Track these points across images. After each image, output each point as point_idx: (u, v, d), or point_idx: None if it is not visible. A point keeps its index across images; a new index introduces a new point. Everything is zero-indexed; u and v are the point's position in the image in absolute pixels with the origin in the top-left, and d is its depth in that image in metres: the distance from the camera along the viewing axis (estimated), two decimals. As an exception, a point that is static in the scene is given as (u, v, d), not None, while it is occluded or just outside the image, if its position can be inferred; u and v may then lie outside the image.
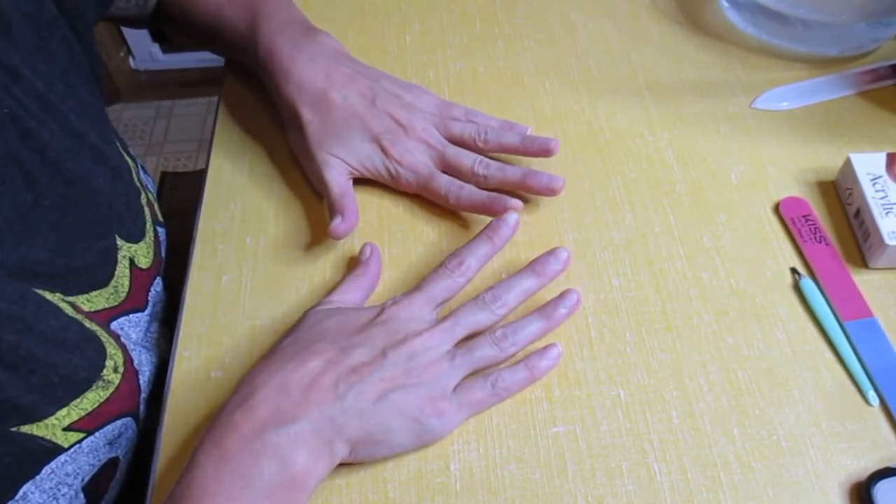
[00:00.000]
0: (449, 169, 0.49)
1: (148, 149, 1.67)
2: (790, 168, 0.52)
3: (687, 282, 0.46)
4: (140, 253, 0.45)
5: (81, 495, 0.37)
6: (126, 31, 1.71)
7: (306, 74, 0.48)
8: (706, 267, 0.47)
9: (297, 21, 0.53)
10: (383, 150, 0.48)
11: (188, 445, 0.40)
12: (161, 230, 0.50)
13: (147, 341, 0.46)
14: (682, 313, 0.45)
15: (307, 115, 0.48)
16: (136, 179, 0.46)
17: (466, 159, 0.48)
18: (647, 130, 0.54)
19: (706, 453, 0.39)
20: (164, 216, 0.53)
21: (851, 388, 0.42)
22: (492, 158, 0.49)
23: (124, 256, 0.43)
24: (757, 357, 0.43)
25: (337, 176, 0.47)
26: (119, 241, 0.42)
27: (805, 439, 0.40)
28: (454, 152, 0.49)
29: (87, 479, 0.37)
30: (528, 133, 0.51)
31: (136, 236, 0.44)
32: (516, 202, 0.46)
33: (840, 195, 0.50)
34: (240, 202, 0.51)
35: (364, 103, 0.48)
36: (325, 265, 0.47)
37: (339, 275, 0.47)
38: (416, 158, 0.48)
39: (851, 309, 0.44)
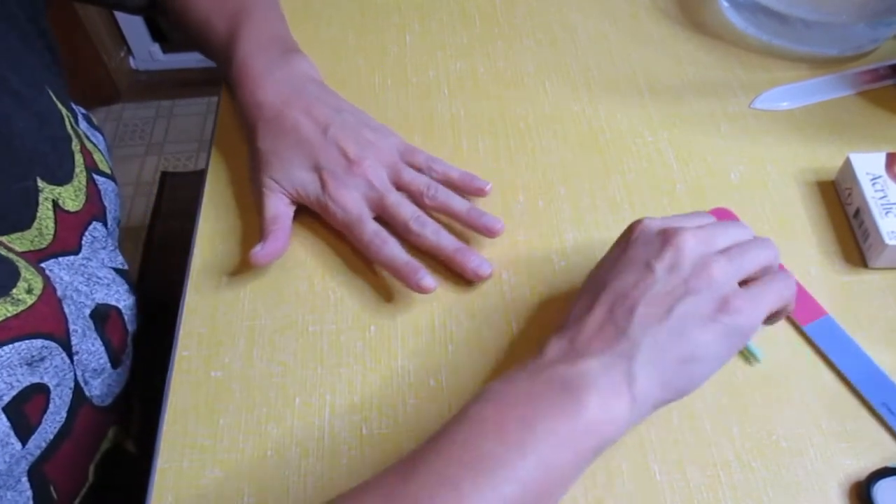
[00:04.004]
0: (385, 216, 0.46)
1: (148, 149, 1.67)
2: (790, 168, 0.52)
3: (687, 282, 0.46)
4: (66, 195, 0.44)
5: (3, 416, 0.37)
6: (126, 31, 1.71)
7: (268, 96, 0.48)
8: (706, 267, 0.47)
9: (278, 40, 0.53)
10: (321, 180, 0.46)
11: (188, 445, 0.40)
12: (103, 180, 0.50)
13: (89, 284, 0.46)
14: (681, 313, 0.45)
15: (260, 135, 0.48)
16: (68, 127, 0.46)
17: (404, 211, 0.46)
18: (647, 130, 0.54)
19: (706, 453, 0.39)
20: (163, 216, 0.53)
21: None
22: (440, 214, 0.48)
23: (46, 198, 0.43)
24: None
25: (275, 201, 0.47)
26: (41, 183, 0.42)
27: (805, 439, 0.40)
28: (394, 200, 0.46)
29: (6, 398, 0.37)
30: (489, 189, 0.48)
31: (60, 179, 0.44)
32: (430, 283, 0.43)
33: (840, 195, 0.50)
34: (240, 202, 0.51)
35: (316, 131, 0.47)
36: (325, 265, 0.47)
37: (340, 275, 0.47)
38: (350, 195, 0.46)
39: (807, 312, 0.44)
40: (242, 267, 0.47)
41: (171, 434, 0.40)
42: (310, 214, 0.49)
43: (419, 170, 0.48)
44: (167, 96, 1.76)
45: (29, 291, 0.39)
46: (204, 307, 0.45)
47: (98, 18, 1.63)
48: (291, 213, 0.47)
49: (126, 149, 1.67)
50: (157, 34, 1.74)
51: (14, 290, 0.38)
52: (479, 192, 0.48)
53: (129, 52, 1.77)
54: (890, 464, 0.38)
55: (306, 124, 0.47)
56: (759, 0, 0.58)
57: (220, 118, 0.56)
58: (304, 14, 0.63)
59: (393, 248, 0.45)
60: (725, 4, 0.63)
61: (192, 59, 1.75)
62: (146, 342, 0.52)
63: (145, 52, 1.77)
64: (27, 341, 0.38)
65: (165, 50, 1.77)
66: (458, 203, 0.47)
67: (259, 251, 0.44)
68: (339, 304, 0.45)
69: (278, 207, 0.47)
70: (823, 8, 0.57)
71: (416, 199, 0.47)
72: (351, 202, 0.46)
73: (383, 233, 0.45)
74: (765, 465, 0.39)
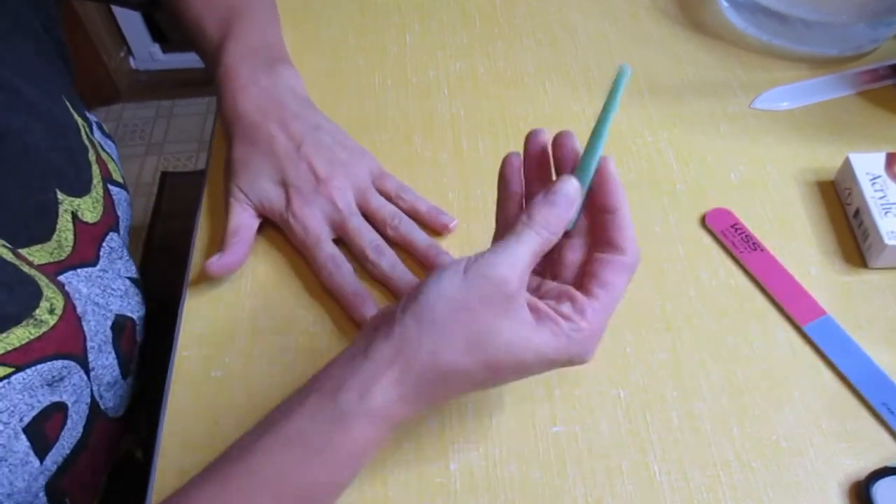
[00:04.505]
0: (345, 239, 0.46)
1: (148, 149, 1.67)
2: (790, 168, 0.52)
3: (687, 282, 0.46)
4: (85, 207, 0.44)
5: (23, 436, 0.37)
6: (126, 31, 1.71)
7: (249, 106, 0.48)
8: (706, 267, 0.47)
9: (266, 47, 0.52)
10: (287, 196, 0.46)
11: (188, 445, 0.40)
12: (117, 189, 0.50)
13: (105, 296, 0.46)
14: (682, 313, 0.45)
15: (235, 144, 0.48)
16: (84, 137, 0.46)
17: (364, 237, 0.45)
18: (647, 130, 0.54)
19: (706, 453, 0.39)
20: (164, 216, 0.53)
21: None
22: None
23: (66, 210, 0.43)
24: (757, 357, 0.43)
25: (238, 211, 0.47)
26: (60, 195, 0.42)
27: (805, 439, 0.40)
28: (356, 225, 0.46)
29: (26, 419, 0.37)
30: (453, 225, 0.48)
31: (79, 190, 0.44)
32: (372, 308, 0.43)
33: (839, 195, 0.50)
34: (240, 202, 0.51)
35: (289, 146, 0.47)
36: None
37: (339, 275, 0.47)
38: (312, 214, 0.46)
39: (807, 312, 0.44)
40: (242, 267, 0.47)
41: (171, 434, 0.40)
42: (310, 214, 0.49)
43: (389, 196, 0.48)
44: (167, 96, 1.76)
45: (51, 311, 0.38)
46: (204, 307, 0.45)
47: (98, 18, 1.63)
48: (255, 226, 0.47)
49: (126, 149, 1.67)
50: (157, 34, 1.74)
51: (37, 311, 0.37)
52: (444, 229, 0.48)
53: (129, 52, 1.77)
54: (890, 464, 0.38)
55: (280, 138, 0.47)
56: (759, 0, 0.58)
57: (219, 118, 0.56)
58: (304, 14, 0.63)
59: (344, 276, 0.44)
60: (725, 4, 0.63)
61: (192, 59, 1.75)
62: (147, 343, 0.52)
63: (145, 52, 1.76)
64: (49, 363, 0.38)
65: (165, 50, 1.77)
66: (419, 238, 0.46)
67: (215, 262, 0.44)
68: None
69: (241, 219, 0.46)
70: (823, 8, 0.57)
71: (379, 227, 0.47)
72: (312, 221, 0.46)
73: (339, 258, 0.45)
74: (765, 465, 0.39)
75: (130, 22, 1.69)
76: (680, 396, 0.41)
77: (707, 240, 0.48)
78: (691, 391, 0.41)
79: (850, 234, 0.48)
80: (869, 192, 0.46)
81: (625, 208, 0.33)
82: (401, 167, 0.51)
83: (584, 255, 0.35)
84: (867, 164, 0.48)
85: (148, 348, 0.52)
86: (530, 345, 0.31)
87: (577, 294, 0.33)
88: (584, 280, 0.33)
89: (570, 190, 0.33)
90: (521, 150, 0.53)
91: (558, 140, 0.36)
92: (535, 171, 0.37)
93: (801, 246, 0.48)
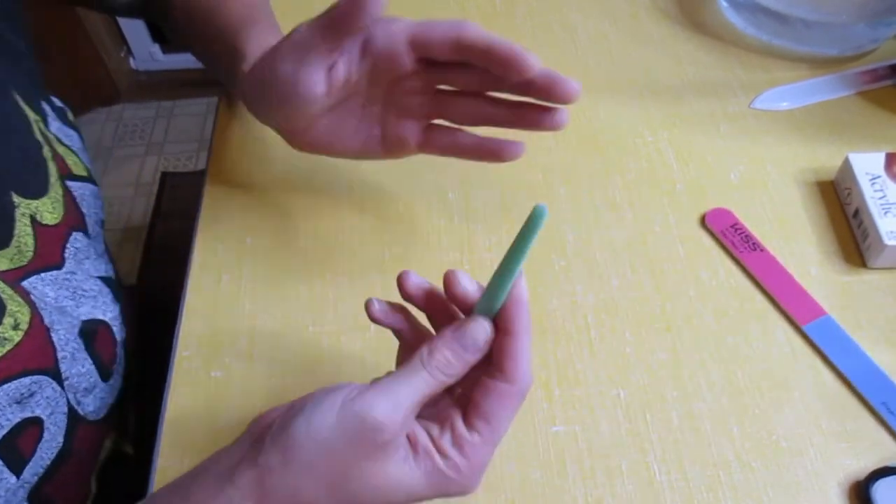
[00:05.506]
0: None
1: (148, 149, 1.67)
2: (789, 168, 0.52)
3: (687, 282, 0.46)
4: (44, 209, 0.42)
5: None
6: (126, 31, 1.71)
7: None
8: (706, 267, 0.47)
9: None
10: None
11: (188, 445, 0.40)
12: (78, 185, 0.47)
13: (75, 298, 0.44)
14: (682, 313, 0.45)
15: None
16: (37, 132, 0.44)
17: None
18: (647, 130, 0.54)
19: (706, 453, 0.39)
20: (164, 216, 0.53)
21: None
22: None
23: (23, 214, 0.41)
24: (757, 357, 0.43)
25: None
26: (16, 199, 0.40)
27: (805, 439, 0.40)
28: None
29: None
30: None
31: (35, 192, 0.42)
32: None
33: (839, 195, 0.50)
34: (240, 202, 0.51)
35: None
36: (324, 266, 0.47)
37: (339, 276, 0.47)
38: None
39: (806, 312, 0.44)
40: (242, 267, 0.47)
41: (171, 434, 0.41)
42: (307, 214, 0.49)
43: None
44: (167, 96, 1.76)
45: (15, 327, 0.37)
46: (204, 307, 0.46)
47: (98, 18, 1.63)
48: None
49: (126, 149, 1.67)
50: (158, 34, 1.74)
51: (0, 329, 0.36)
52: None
53: (129, 52, 1.77)
54: (890, 463, 0.38)
55: None
56: (759, 0, 0.58)
57: (220, 118, 0.56)
58: (303, 14, 0.63)
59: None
60: (725, 4, 0.63)
61: (192, 59, 1.74)
62: (145, 342, 0.52)
63: (145, 53, 1.77)
64: (16, 381, 0.37)
65: (165, 50, 1.77)
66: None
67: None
68: (339, 304, 0.45)
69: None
70: (823, 8, 0.57)
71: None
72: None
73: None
74: (765, 465, 0.39)
75: (130, 22, 1.69)
76: (680, 396, 0.41)
77: (707, 240, 0.48)
78: (691, 391, 0.41)
79: (850, 234, 0.48)
80: (868, 192, 0.46)
81: (524, 336, 0.31)
82: (401, 166, 0.51)
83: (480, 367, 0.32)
84: (867, 164, 0.48)
85: (145, 345, 0.52)
86: (401, 486, 0.30)
87: (459, 424, 0.31)
88: (467, 407, 0.31)
89: (481, 336, 0.31)
90: (524, 148, 0.53)
91: (448, 280, 0.33)
92: (426, 304, 0.34)
93: (800, 246, 0.48)
